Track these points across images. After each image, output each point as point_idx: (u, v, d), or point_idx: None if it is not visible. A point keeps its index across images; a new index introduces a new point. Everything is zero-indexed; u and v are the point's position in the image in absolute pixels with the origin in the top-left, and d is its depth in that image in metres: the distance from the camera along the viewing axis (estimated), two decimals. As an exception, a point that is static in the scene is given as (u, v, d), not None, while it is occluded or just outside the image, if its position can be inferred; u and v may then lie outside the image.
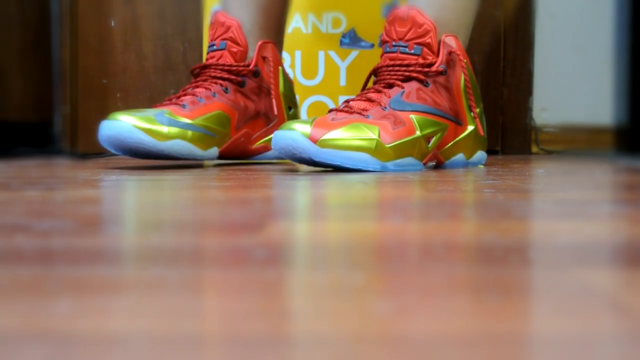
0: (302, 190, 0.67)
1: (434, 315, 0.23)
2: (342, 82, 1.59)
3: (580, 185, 0.76)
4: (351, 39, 1.64)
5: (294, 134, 0.89)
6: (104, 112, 1.71)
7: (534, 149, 1.74)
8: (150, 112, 0.98)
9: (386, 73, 1.00)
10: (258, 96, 1.12)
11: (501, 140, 1.74)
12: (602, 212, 0.51)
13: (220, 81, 1.08)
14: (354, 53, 1.62)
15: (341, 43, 1.64)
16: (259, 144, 1.15)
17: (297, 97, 1.57)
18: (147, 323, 0.22)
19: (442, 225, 0.44)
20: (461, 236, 0.39)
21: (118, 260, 0.33)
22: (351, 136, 0.90)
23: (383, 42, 1.05)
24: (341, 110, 0.95)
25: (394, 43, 1.02)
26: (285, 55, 1.55)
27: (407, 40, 1.01)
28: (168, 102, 1.04)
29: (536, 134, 1.74)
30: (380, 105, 0.96)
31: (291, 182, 0.75)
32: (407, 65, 1.00)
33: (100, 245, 0.36)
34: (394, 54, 1.02)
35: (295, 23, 1.57)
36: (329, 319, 0.23)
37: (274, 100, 1.12)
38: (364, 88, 1.05)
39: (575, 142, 1.75)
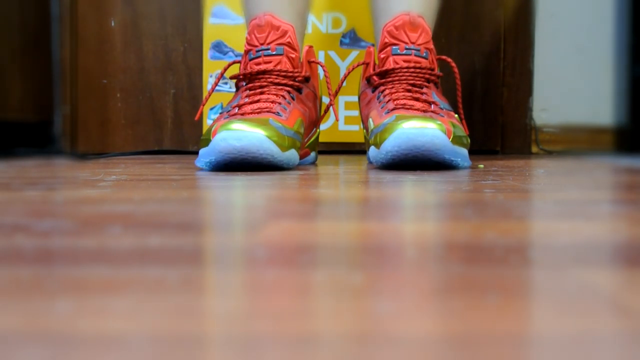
0: (302, 190, 0.67)
1: (434, 315, 0.23)
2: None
3: (580, 185, 0.76)
4: (351, 39, 1.64)
5: (434, 132, 0.88)
6: (104, 112, 1.71)
7: (534, 149, 1.74)
8: (259, 120, 0.91)
9: (408, 74, 1.03)
10: (312, 102, 1.10)
11: (501, 140, 1.74)
12: (602, 212, 0.51)
13: (287, 88, 1.02)
14: (354, 53, 1.62)
15: (341, 43, 1.64)
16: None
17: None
18: (147, 323, 0.22)
19: (442, 225, 0.44)
20: (461, 236, 0.39)
21: (118, 260, 0.33)
22: (460, 133, 0.96)
23: (389, 45, 1.06)
24: (417, 109, 0.99)
25: (406, 46, 1.05)
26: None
27: (418, 45, 1.05)
28: (239, 107, 0.98)
29: (536, 134, 1.74)
30: (437, 104, 1.01)
31: (290, 183, 0.75)
32: (422, 68, 1.04)
33: (100, 245, 0.36)
34: (409, 57, 1.05)
35: (295, 23, 1.57)
36: (329, 319, 0.23)
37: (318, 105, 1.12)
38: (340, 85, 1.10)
39: (575, 142, 1.75)
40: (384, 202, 0.57)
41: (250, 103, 0.98)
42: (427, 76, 1.04)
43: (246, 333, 0.21)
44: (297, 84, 1.03)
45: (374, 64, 1.09)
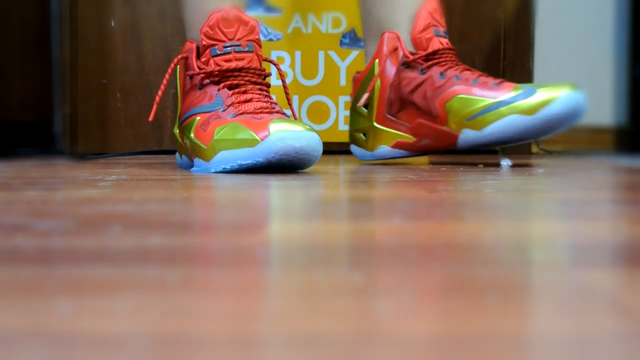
0: (301, 190, 0.67)
1: (434, 315, 0.23)
2: (342, 82, 1.59)
3: (580, 185, 0.76)
4: (351, 39, 1.64)
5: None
6: (104, 112, 1.71)
7: (534, 149, 1.74)
8: (299, 121, 0.88)
9: (453, 56, 1.09)
10: None
11: (501, 140, 1.74)
12: (602, 212, 0.51)
13: (263, 87, 0.98)
14: (354, 53, 1.62)
15: (341, 43, 1.64)
16: None
17: (297, 97, 1.57)
18: (147, 323, 0.22)
19: (442, 225, 0.44)
20: (461, 236, 0.39)
21: (118, 260, 0.33)
22: None
23: (431, 26, 1.09)
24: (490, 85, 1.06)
25: (444, 30, 1.10)
26: (285, 55, 1.55)
27: (444, 28, 1.11)
28: (236, 107, 0.94)
29: (536, 134, 1.74)
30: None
31: (290, 183, 0.75)
32: (454, 50, 1.11)
33: (100, 245, 0.36)
34: (446, 39, 1.10)
35: (295, 23, 1.57)
36: (329, 319, 0.23)
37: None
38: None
39: (575, 142, 1.75)
40: (384, 202, 0.57)
41: (245, 102, 0.95)
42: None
43: (246, 333, 0.21)
44: (266, 82, 0.99)
45: (403, 48, 1.08)
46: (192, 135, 0.95)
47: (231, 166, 0.87)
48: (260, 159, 0.84)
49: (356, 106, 1.14)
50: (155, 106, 0.98)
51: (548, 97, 0.99)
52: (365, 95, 1.10)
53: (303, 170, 0.89)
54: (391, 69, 1.09)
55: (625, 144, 1.72)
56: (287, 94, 1.03)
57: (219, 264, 0.32)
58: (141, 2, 1.72)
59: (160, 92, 0.99)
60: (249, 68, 0.97)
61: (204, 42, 0.98)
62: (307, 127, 0.85)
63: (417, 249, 0.35)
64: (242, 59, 0.98)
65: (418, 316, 0.23)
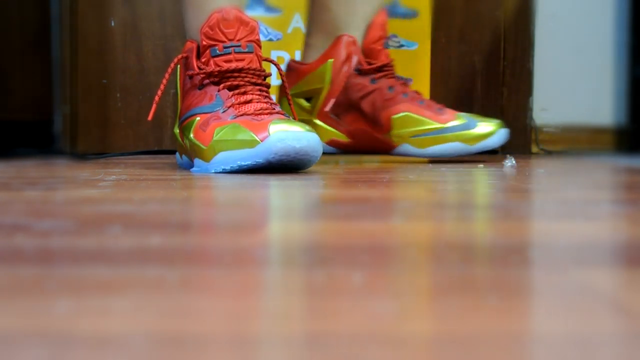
0: (301, 190, 0.67)
1: (434, 315, 0.23)
2: (342, 82, 1.59)
3: (580, 185, 0.76)
4: (351, 39, 1.64)
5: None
6: (104, 112, 1.71)
7: (534, 149, 1.74)
8: (299, 122, 0.89)
9: (394, 70, 1.15)
10: None
11: (501, 140, 1.74)
12: (602, 212, 0.51)
13: (263, 88, 0.98)
14: (354, 53, 1.62)
15: (341, 43, 1.64)
16: None
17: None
18: (147, 323, 0.22)
19: (442, 225, 0.44)
20: (461, 236, 0.39)
21: (118, 260, 0.33)
22: None
23: (382, 38, 1.13)
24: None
25: (389, 41, 1.18)
26: (285, 55, 1.55)
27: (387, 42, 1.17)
28: (236, 108, 0.93)
29: (536, 134, 1.74)
30: None
31: (290, 183, 0.75)
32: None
33: (100, 245, 0.36)
34: (388, 51, 1.16)
35: (296, 23, 1.56)
36: (329, 319, 0.23)
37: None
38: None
39: (575, 142, 1.75)
40: (384, 202, 0.57)
41: (245, 103, 0.94)
42: None
43: (246, 333, 0.21)
44: (266, 82, 0.98)
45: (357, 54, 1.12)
46: (191, 135, 0.95)
47: (231, 167, 0.87)
48: (260, 160, 0.84)
49: (297, 99, 1.19)
50: (154, 105, 0.98)
51: (488, 131, 1.13)
52: (332, 101, 1.14)
53: (303, 170, 0.89)
54: (345, 73, 1.13)
55: (625, 144, 1.72)
56: (287, 94, 1.03)
57: (219, 264, 0.32)
58: (141, 2, 1.72)
59: (159, 92, 0.99)
60: (248, 69, 0.97)
61: (204, 42, 0.97)
62: (307, 127, 0.85)
63: (417, 249, 0.35)
64: (242, 59, 0.98)
65: (418, 316, 0.23)
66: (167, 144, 1.72)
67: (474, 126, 1.12)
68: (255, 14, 1.55)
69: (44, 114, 1.64)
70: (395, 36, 1.55)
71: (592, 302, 0.25)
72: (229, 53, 0.97)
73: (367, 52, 1.12)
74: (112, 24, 1.71)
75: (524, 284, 0.28)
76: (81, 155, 1.39)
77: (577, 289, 0.27)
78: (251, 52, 0.98)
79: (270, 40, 1.57)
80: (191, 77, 0.99)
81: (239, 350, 0.20)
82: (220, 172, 0.88)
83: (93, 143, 1.70)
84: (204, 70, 0.97)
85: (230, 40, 0.98)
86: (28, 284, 0.28)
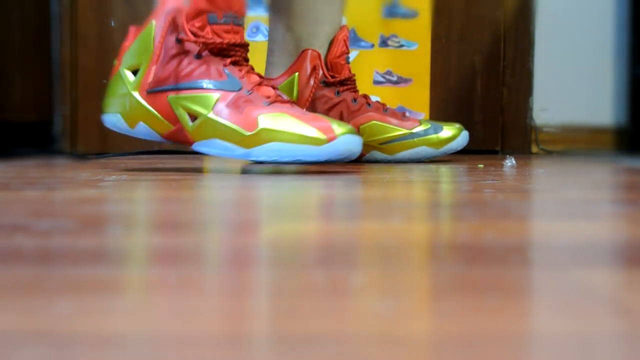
0: (301, 190, 0.67)
1: (434, 315, 0.23)
2: (342, 82, 1.59)
3: (580, 185, 0.76)
4: (351, 38, 1.64)
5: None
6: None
7: (534, 149, 1.74)
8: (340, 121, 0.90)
9: (355, 84, 1.21)
10: None
11: (501, 140, 1.74)
12: (602, 212, 0.51)
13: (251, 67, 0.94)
14: (354, 53, 1.62)
15: (341, 43, 1.64)
16: None
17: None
18: (147, 323, 0.22)
19: (442, 225, 0.44)
20: (461, 236, 0.39)
21: (118, 260, 0.33)
22: None
23: (345, 53, 1.19)
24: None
25: (350, 56, 1.22)
26: (285, 55, 1.55)
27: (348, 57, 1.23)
28: (273, 96, 0.90)
29: (536, 134, 1.74)
30: None
31: (291, 183, 0.75)
32: None
33: (100, 245, 0.36)
34: (349, 66, 1.23)
35: (295, 23, 1.56)
36: (329, 319, 0.23)
37: None
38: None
39: (575, 142, 1.75)
40: (384, 202, 0.57)
41: (258, 85, 0.89)
42: None
43: (245, 333, 0.21)
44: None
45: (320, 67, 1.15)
46: (212, 114, 0.88)
47: (287, 159, 0.86)
48: (323, 158, 0.87)
49: None
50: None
51: (452, 134, 1.20)
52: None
53: (303, 171, 0.89)
54: (312, 86, 1.14)
55: (625, 144, 1.72)
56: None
57: (219, 264, 0.32)
58: (141, 2, 1.72)
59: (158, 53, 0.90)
60: (245, 45, 0.92)
61: (200, 5, 0.88)
62: (354, 130, 0.89)
63: (417, 249, 0.35)
64: (238, 32, 0.91)
65: (418, 316, 0.23)
66: (167, 144, 1.72)
67: (439, 130, 1.19)
68: (255, 14, 1.54)
69: (43, 114, 1.64)
70: (395, 36, 1.55)
71: (592, 302, 0.25)
72: (229, 23, 0.90)
73: (331, 66, 1.16)
74: (112, 24, 1.71)
75: (523, 284, 0.28)
76: (81, 156, 1.39)
77: (577, 289, 0.27)
78: (242, 26, 0.92)
79: (270, 40, 1.56)
80: (180, 41, 0.89)
81: (239, 350, 0.20)
82: (263, 162, 0.91)
83: (93, 143, 1.70)
84: (203, 40, 0.89)
85: (229, 8, 0.90)
86: (28, 284, 0.28)
